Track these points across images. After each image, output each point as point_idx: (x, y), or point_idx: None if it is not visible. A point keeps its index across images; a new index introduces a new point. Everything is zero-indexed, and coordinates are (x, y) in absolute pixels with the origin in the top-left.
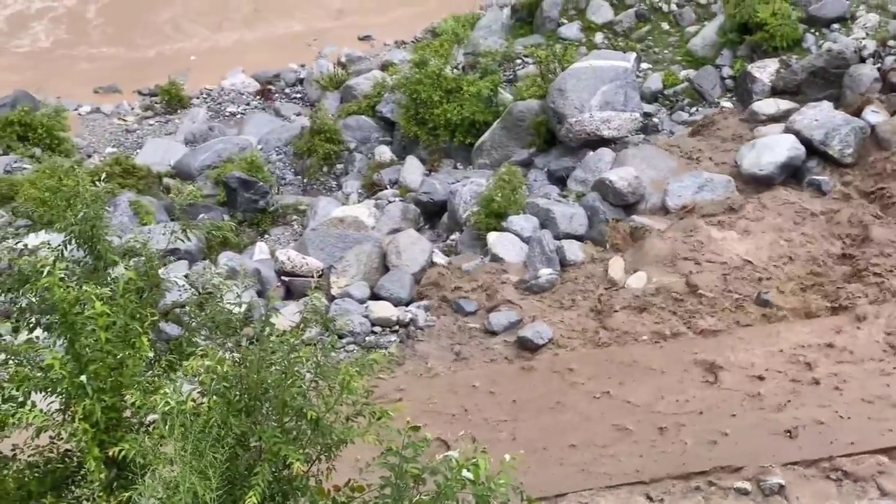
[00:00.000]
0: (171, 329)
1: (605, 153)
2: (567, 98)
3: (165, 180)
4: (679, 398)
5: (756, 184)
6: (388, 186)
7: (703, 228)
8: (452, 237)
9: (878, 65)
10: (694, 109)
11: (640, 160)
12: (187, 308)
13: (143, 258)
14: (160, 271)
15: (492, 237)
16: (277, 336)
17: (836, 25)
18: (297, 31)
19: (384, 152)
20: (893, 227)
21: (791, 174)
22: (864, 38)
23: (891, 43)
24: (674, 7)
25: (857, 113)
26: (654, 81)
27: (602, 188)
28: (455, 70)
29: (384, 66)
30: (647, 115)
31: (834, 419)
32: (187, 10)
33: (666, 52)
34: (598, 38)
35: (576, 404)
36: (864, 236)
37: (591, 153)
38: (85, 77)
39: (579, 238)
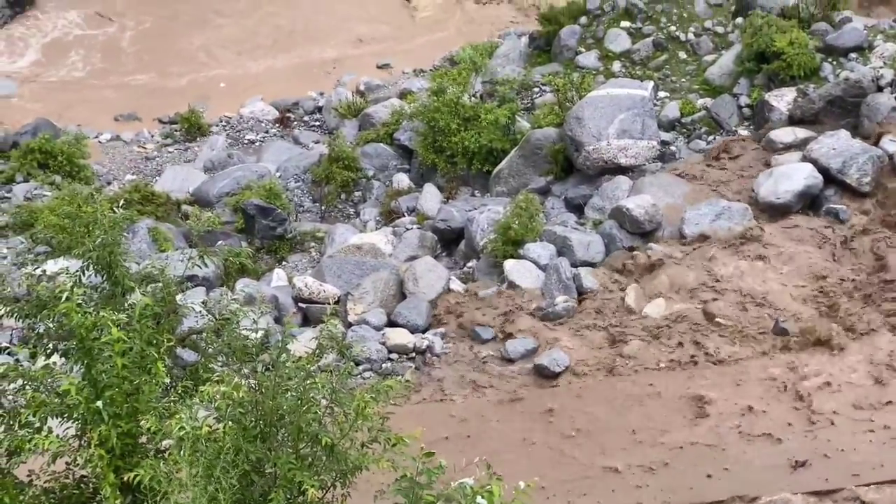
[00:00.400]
0: (188, 355)
1: (623, 181)
2: (584, 126)
3: (184, 207)
4: (697, 426)
5: (773, 212)
6: (405, 214)
7: (720, 257)
8: (469, 264)
9: None
10: (711, 138)
11: (657, 188)
12: (204, 334)
13: (161, 284)
14: (177, 297)
15: (508, 264)
16: (293, 362)
17: (853, 55)
18: (316, 59)
19: (402, 180)
20: None
21: (809, 203)
22: (881, 68)
23: None
24: (691, 36)
25: (875, 142)
26: (672, 110)
27: (619, 216)
28: (473, 98)
29: (402, 95)
30: (664, 143)
31: (844, 450)
32: (208, 39)
33: (683, 80)
34: (616, 66)
35: (591, 430)
36: (882, 265)
37: (609, 181)
38: (106, 105)
39: (596, 266)
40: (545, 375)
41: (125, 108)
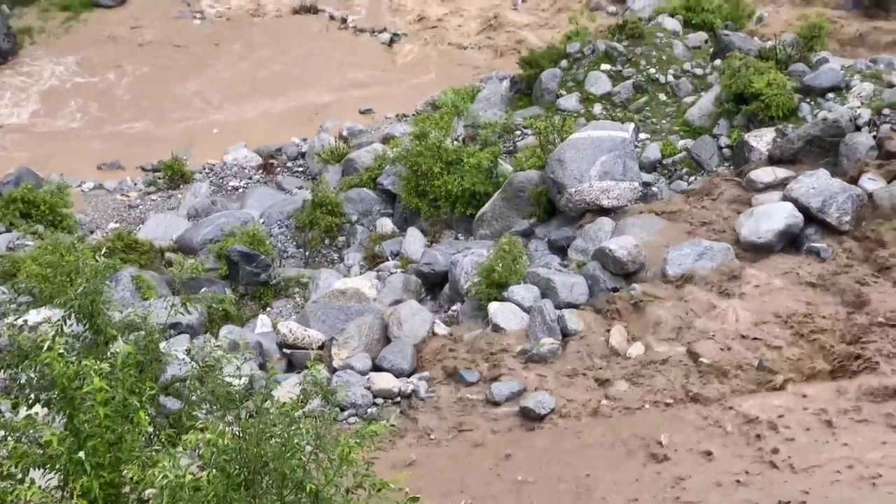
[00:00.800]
0: (172, 403)
1: (605, 222)
2: (566, 168)
3: (167, 255)
4: (681, 466)
5: (755, 251)
6: (389, 258)
7: (703, 296)
8: (454, 308)
9: (874, 133)
10: (692, 178)
11: (639, 229)
12: (187, 382)
13: (144, 332)
14: (161, 345)
15: (493, 307)
16: (278, 408)
17: (831, 95)
18: (301, 104)
19: (385, 224)
20: (892, 293)
21: (790, 241)
22: (858, 107)
23: (886, 111)
24: (671, 78)
25: (854, 180)
26: (653, 151)
27: (602, 257)
28: (455, 142)
29: (385, 139)
30: (646, 184)
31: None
32: (203, 85)
33: (664, 122)
34: (597, 109)
35: (577, 473)
36: (862, 302)
37: (591, 222)
38: (90, 154)
39: (580, 307)
40: (531, 418)
41: (110, 157)
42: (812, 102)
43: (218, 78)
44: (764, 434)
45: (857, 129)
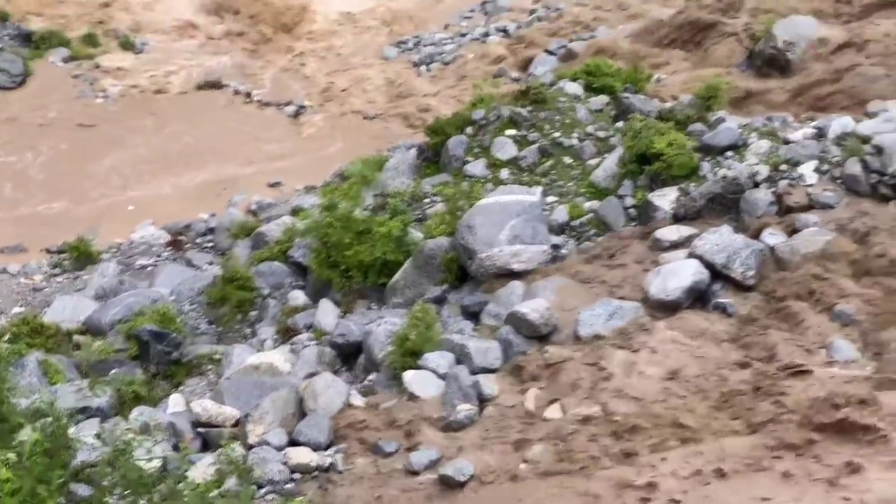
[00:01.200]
0: (83, 490)
1: (517, 286)
2: (476, 234)
3: (75, 337)
4: None
5: (664, 309)
6: (303, 331)
7: (616, 355)
8: (370, 377)
9: (773, 188)
10: (601, 239)
11: (550, 291)
12: (98, 467)
13: (52, 418)
14: (69, 431)
15: (408, 376)
16: (192, 490)
17: (730, 153)
18: (211, 179)
19: (298, 297)
20: (798, 347)
21: (697, 298)
22: (756, 164)
23: (783, 167)
24: (575, 141)
25: (756, 235)
26: (561, 214)
27: (515, 321)
28: (365, 212)
29: (294, 212)
30: (555, 246)
31: None
32: (118, 159)
33: (570, 184)
34: (504, 174)
35: None
36: (770, 355)
37: (503, 287)
38: None
39: (495, 372)
40: (450, 485)
41: (13, 240)
42: (712, 160)
43: (134, 154)
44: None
45: (756, 185)
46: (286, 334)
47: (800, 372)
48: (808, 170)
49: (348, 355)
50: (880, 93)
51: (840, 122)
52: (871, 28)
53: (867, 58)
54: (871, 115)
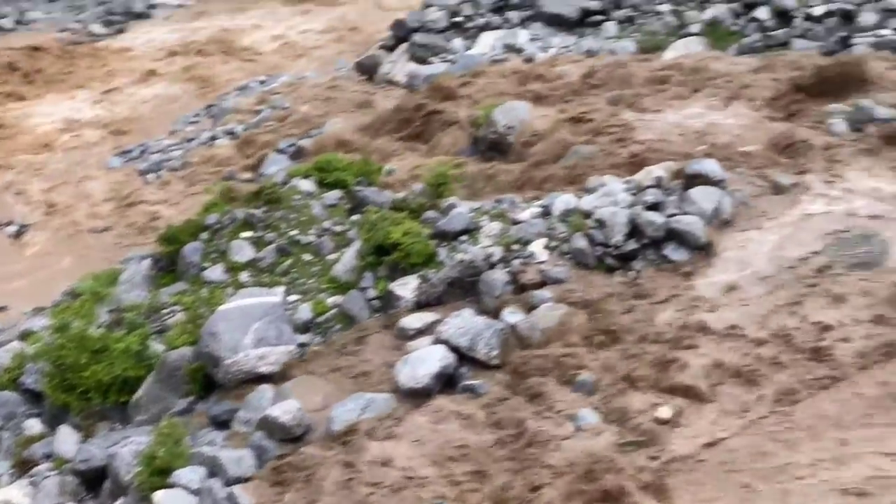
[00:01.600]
0: None
1: (266, 389)
2: (220, 341)
3: None
4: None
5: (416, 396)
6: (41, 461)
7: (372, 448)
8: (118, 503)
9: (508, 268)
10: (346, 333)
11: (301, 391)
12: None
13: None
14: None
15: (158, 496)
16: None
17: (464, 237)
18: None
19: (33, 426)
20: (546, 420)
21: (447, 382)
22: (490, 246)
23: (514, 247)
24: (312, 238)
25: (497, 315)
26: (305, 311)
27: (267, 425)
28: (100, 329)
29: (24, 336)
30: (302, 345)
31: None
32: None
33: (311, 281)
34: (244, 276)
35: None
36: (521, 431)
37: (252, 392)
38: None
39: (251, 480)
40: None
41: None
42: (447, 246)
43: None
44: None
45: (492, 266)
46: (24, 467)
47: (548, 444)
48: (538, 247)
49: (93, 481)
50: (596, 168)
51: (562, 200)
52: (582, 107)
53: (581, 136)
54: (589, 191)
